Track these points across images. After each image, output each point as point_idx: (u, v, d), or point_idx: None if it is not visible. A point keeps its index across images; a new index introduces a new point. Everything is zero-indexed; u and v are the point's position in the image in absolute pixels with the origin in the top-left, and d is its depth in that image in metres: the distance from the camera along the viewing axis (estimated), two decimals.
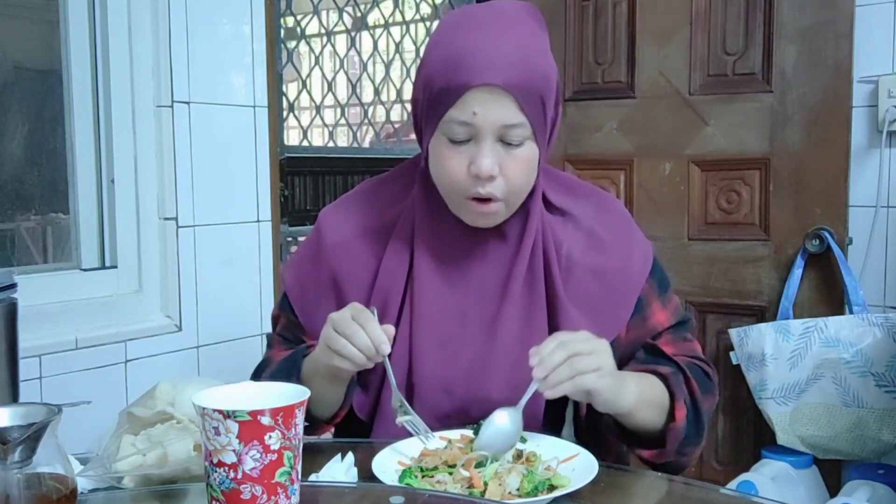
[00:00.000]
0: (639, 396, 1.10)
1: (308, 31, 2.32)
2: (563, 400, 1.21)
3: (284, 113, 2.20)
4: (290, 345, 1.26)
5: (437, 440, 1.09)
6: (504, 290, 1.18)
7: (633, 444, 1.17)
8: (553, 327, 1.17)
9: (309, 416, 1.14)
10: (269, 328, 1.37)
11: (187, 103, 1.81)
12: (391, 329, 1.08)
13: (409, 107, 1.43)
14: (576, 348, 1.03)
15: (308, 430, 1.12)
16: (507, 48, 1.07)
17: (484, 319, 1.18)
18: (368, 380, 1.18)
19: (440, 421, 1.15)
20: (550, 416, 1.19)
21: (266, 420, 0.75)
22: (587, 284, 1.19)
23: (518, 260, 1.18)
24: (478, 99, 1.07)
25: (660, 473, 1.07)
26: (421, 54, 1.19)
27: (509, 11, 1.12)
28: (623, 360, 1.22)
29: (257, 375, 1.22)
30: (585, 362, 1.03)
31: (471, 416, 1.15)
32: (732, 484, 1.98)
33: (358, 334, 1.06)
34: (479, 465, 1.00)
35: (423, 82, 1.13)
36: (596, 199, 1.26)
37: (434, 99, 1.11)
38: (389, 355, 1.09)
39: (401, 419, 1.10)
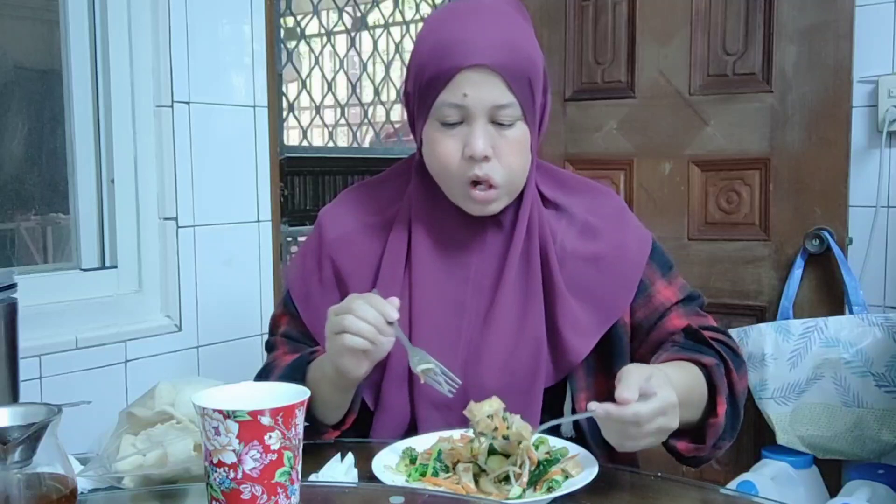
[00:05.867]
0: (681, 402, 1.05)
1: (308, 31, 2.32)
2: (561, 395, 1.22)
3: (284, 113, 2.20)
4: (295, 344, 1.26)
5: (458, 385, 1.08)
6: (499, 279, 1.19)
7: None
8: (551, 316, 1.18)
9: (314, 421, 1.14)
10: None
11: (187, 103, 1.80)
12: (396, 300, 1.07)
13: None
14: (647, 429, 0.97)
15: (313, 435, 1.13)
16: (494, 32, 1.11)
17: (480, 309, 1.19)
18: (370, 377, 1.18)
19: (440, 410, 1.16)
20: (548, 412, 1.19)
21: (266, 420, 0.75)
22: (583, 272, 1.20)
23: (512, 248, 1.19)
24: (468, 80, 1.10)
25: (659, 473, 1.07)
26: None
27: (494, 3, 1.16)
28: (635, 342, 1.23)
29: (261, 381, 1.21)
30: (644, 441, 0.99)
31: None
32: (732, 484, 1.98)
33: (362, 306, 1.04)
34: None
35: (414, 73, 1.16)
36: (591, 193, 1.27)
37: (425, 87, 1.13)
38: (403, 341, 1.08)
39: (421, 367, 1.07)
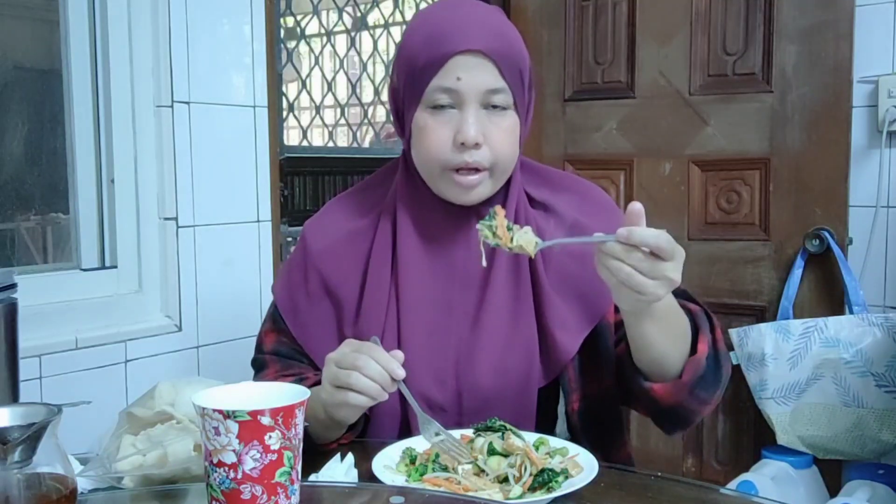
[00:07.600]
0: (666, 312, 1.06)
1: (308, 31, 2.32)
2: (554, 397, 1.22)
3: (284, 113, 2.20)
4: (286, 361, 1.24)
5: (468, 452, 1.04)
6: (487, 277, 1.18)
7: (646, 377, 1.13)
8: (539, 315, 1.17)
9: (308, 441, 1.13)
10: None
11: (187, 103, 1.80)
12: (400, 354, 1.05)
13: None
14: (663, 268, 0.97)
15: (310, 448, 1.12)
16: (486, 21, 1.13)
17: (469, 308, 1.18)
18: None
19: (435, 411, 1.15)
20: (542, 413, 1.19)
21: (266, 420, 0.75)
22: (570, 269, 1.20)
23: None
24: (461, 64, 1.11)
25: (659, 473, 1.06)
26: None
27: (480, 2, 1.18)
28: (618, 339, 1.21)
29: None
30: (652, 284, 0.97)
31: (463, 404, 1.16)
32: (732, 484, 1.98)
33: (368, 364, 1.02)
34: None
35: (404, 63, 1.16)
36: (579, 193, 1.27)
37: (417, 75, 1.13)
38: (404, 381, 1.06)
39: (434, 440, 1.05)
